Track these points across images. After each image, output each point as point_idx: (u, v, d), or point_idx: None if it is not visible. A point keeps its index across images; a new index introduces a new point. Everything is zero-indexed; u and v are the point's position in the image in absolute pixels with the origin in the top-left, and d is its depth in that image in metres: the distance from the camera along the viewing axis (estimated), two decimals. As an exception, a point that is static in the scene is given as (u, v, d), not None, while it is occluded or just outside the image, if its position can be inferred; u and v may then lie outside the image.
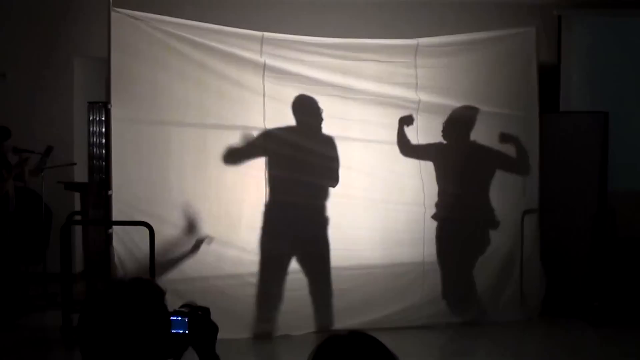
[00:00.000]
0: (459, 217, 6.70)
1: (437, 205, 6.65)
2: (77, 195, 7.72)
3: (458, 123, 6.65)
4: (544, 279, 6.88)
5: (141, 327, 1.90)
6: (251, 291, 6.21)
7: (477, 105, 6.69)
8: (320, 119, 6.35)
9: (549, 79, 7.67)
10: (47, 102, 8.49)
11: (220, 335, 6.24)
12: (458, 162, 6.69)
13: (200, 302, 6.36)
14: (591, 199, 6.94)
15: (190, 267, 6.08)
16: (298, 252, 6.34)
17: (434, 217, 6.65)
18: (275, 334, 6.24)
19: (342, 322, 6.28)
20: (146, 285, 2.00)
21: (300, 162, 6.29)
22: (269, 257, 6.26)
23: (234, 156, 6.18)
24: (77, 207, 7.59)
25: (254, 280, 6.22)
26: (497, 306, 6.77)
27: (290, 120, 6.33)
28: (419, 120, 6.60)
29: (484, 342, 6.39)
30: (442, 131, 6.62)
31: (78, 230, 7.61)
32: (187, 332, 2.14)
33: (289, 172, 6.30)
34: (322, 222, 6.37)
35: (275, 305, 6.27)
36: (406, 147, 6.59)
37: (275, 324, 6.27)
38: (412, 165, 6.65)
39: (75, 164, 8.15)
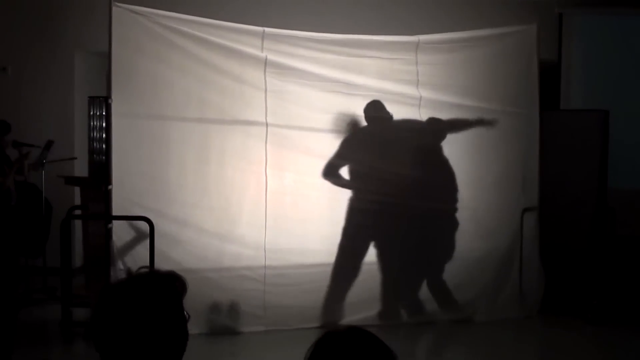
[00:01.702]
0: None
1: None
2: (77, 190, 7.72)
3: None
4: (543, 277, 6.89)
5: (157, 321, 1.87)
6: (249, 285, 6.21)
7: (477, 102, 6.71)
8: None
9: (549, 76, 7.66)
10: (48, 96, 8.49)
11: (212, 329, 6.20)
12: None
13: (198, 295, 6.34)
14: (591, 197, 6.95)
15: (189, 261, 6.08)
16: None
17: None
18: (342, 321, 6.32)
19: (351, 315, 6.33)
20: (164, 279, 1.96)
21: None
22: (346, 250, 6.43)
23: (331, 170, 6.41)
24: (78, 201, 7.59)
25: (252, 274, 6.23)
26: (496, 304, 6.77)
27: (292, 114, 6.35)
28: (421, 116, 6.61)
29: (482, 340, 6.39)
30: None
31: (78, 224, 7.62)
32: None
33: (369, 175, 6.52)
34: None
35: (343, 296, 6.42)
36: None
37: (343, 313, 6.38)
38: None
39: (76, 158, 8.15)
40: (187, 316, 1.93)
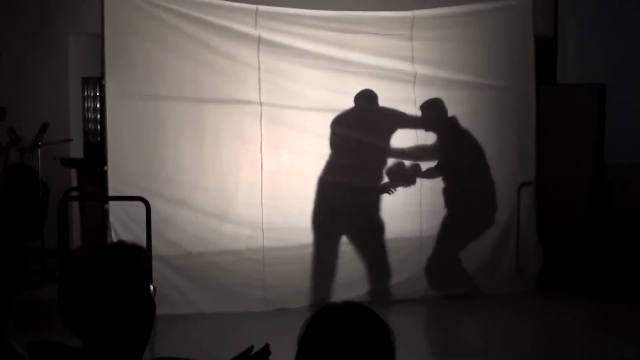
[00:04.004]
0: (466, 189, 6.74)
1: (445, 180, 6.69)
2: (73, 171, 7.71)
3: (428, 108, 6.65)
4: (540, 251, 6.90)
5: (120, 291, 1.89)
6: (248, 265, 6.23)
7: (473, 78, 6.68)
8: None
9: (545, 50, 7.62)
10: (42, 79, 8.44)
11: (214, 309, 6.24)
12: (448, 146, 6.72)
13: (198, 278, 6.33)
14: (588, 171, 6.93)
15: (187, 242, 6.10)
16: (349, 231, 6.50)
17: (443, 191, 6.69)
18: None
19: (341, 294, 6.31)
20: (125, 250, 1.99)
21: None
22: (321, 234, 6.42)
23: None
24: (74, 183, 7.58)
25: (251, 254, 6.24)
26: (493, 279, 6.79)
27: (286, 92, 6.33)
28: (416, 92, 6.59)
29: (480, 315, 6.42)
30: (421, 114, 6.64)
31: (75, 206, 7.62)
32: None
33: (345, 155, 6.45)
34: (374, 205, 6.52)
35: (331, 275, 6.41)
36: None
37: (331, 293, 6.38)
38: (409, 138, 6.64)
39: (71, 139, 8.12)
40: (152, 289, 1.96)
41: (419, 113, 6.60)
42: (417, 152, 6.63)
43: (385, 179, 6.57)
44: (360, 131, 6.47)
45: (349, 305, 1.83)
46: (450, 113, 6.64)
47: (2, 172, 7.10)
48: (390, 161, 6.60)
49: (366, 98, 6.46)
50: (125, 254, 1.95)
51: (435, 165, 6.66)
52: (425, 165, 6.66)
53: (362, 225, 6.57)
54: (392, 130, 6.59)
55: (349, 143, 6.45)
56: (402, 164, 6.62)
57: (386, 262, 6.57)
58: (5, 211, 7.11)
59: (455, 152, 6.73)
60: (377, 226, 6.55)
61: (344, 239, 6.52)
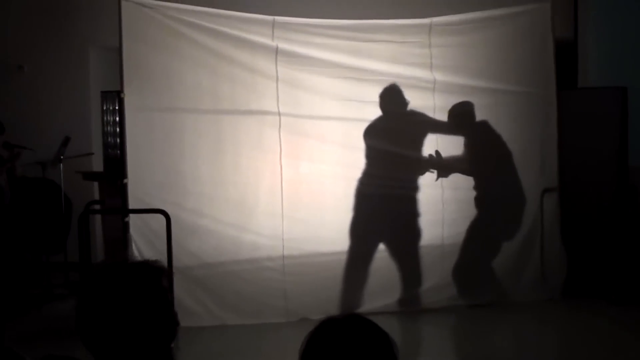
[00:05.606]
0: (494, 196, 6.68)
1: (476, 188, 6.64)
2: (96, 185, 7.76)
3: (459, 116, 6.60)
4: (565, 258, 6.81)
5: (139, 308, 1.88)
6: (268, 275, 6.22)
7: (492, 84, 6.64)
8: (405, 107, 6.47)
9: (566, 54, 7.55)
10: (64, 93, 8.52)
11: (235, 321, 6.24)
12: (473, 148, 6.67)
13: (219, 289, 6.31)
14: (611, 176, 6.85)
15: (207, 253, 6.11)
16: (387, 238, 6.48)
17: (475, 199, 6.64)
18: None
19: (370, 303, 6.31)
20: (144, 267, 1.98)
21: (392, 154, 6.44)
22: (358, 242, 6.40)
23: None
24: (97, 196, 7.62)
25: (271, 264, 6.23)
26: (518, 286, 6.71)
27: (304, 102, 6.33)
28: (435, 99, 6.56)
29: (505, 323, 6.35)
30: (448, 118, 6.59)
31: (98, 219, 7.66)
32: None
33: (382, 162, 6.45)
34: (412, 213, 6.49)
35: (362, 284, 6.38)
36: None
37: (361, 302, 6.34)
38: (429, 145, 6.60)
39: (93, 153, 8.18)
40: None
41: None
42: (452, 161, 6.61)
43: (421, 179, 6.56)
44: (392, 141, 6.45)
45: (351, 318, 1.81)
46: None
47: (7, 187, 7.12)
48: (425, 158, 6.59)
49: (390, 95, 6.43)
50: (145, 276, 1.94)
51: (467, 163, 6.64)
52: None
53: (400, 232, 6.54)
54: (423, 137, 6.57)
55: (382, 154, 6.44)
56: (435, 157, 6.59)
57: (419, 268, 6.54)
58: (17, 225, 7.15)
59: (488, 157, 6.70)
60: (415, 233, 6.52)
61: (381, 246, 6.49)
